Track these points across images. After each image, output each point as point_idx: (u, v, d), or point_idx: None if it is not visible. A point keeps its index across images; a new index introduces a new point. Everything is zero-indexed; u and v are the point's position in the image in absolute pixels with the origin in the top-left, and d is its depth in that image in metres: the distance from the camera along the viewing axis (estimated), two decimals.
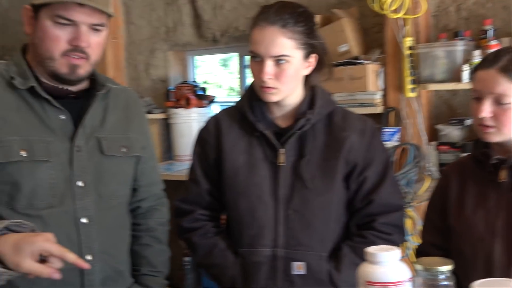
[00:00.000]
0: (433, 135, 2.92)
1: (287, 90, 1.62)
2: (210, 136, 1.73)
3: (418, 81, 2.85)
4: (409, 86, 2.86)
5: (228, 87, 6.11)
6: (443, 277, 1.09)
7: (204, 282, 3.65)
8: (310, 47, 1.61)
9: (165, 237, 1.85)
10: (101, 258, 1.61)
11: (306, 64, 1.63)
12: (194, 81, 3.92)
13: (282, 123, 1.68)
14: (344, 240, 1.67)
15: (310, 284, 1.59)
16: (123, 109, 1.73)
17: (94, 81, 1.67)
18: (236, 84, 4.47)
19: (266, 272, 1.62)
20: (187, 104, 3.69)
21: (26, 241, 1.25)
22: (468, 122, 2.80)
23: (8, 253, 1.23)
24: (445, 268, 1.09)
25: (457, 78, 2.71)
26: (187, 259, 3.55)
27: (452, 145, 2.78)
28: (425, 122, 2.90)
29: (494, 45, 2.59)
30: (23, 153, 1.51)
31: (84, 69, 1.56)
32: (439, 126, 2.88)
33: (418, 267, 1.10)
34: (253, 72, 1.63)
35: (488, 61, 1.53)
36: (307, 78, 1.68)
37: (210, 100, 3.85)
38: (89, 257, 1.58)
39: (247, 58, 3.88)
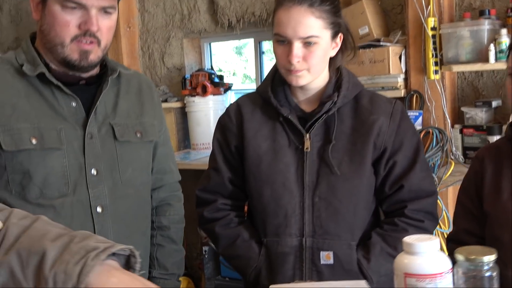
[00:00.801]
0: (458, 118, 2.83)
1: (316, 73, 1.55)
2: (231, 123, 1.67)
3: (442, 63, 2.75)
4: (432, 68, 2.77)
5: (242, 74, 6.04)
6: (487, 267, 1.02)
7: (223, 271, 3.61)
8: (337, 27, 1.55)
9: (178, 236, 1.79)
10: None
11: (333, 45, 1.56)
12: (210, 69, 3.85)
13: (307, 108, 1.61)
14: (373, 228, 1.60)
15: (338, 274, 1.52)
16: (136, 94, 1.67)
17: (105, 66, 1.61)
18: (252, 71, 4.40)
19: (293, 262, 1.56)
20: (204, 92, 3.63)
21: None
22: (494, 104, 2.72)
23: None
24: (489, 258, 1.02)
25: (483, 58, 2.61)
26: (205, 248, 3.51)
27: (477, 128, 2.69)
28: (449, 105, 2.81)
29: None
30: (34, 141, 1.46)
31: (95, 55, 1.50)
32: (464, 109, 2.79)
33: (459, 257, 1.03)
34: (278, 56, 1.55)
35: None
36: (332, 60, 1.61)
37: (227, 87, 3.78)
38: None
39: (265, 43, 3.83)
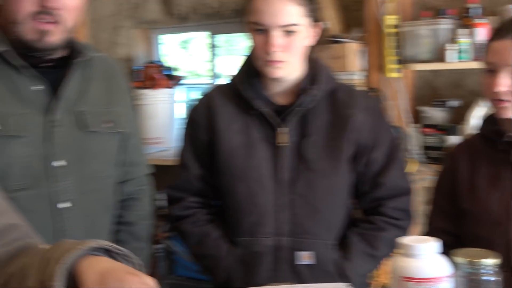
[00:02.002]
0: (416, 117, 2.83)
1: (295, 63, 1.47)
2: (200, 116, 1.58)
3: (401, 61, 2.74)
4: (390, 66, 2.75)
5: (188, 69, 5.90)
6: (490, 271, 0.97)
7: (177, 270, 3.52)
8: (316, 14, 1.48)
9: (144, 233, 1.68)
10: None
11: (312, 34, 1.49)
12: (161, 61, 3.74)
13: (281, 100, 1.53)
14: (348, 227, 1.55)
15: (317, 275, 1.46)
16: (106, 80, 1.55)
17: (74, 48, 1.48)
18: (198, 67, 4.31)
19: (269, 262, 1.48)
20: (153, 85, 3.51)
21: (116, 276, 0.88)
22: (451, 103, 2.73)
23: (89, 282, 0.87)
24: (492, 262, 0.97)
25: (441, 58, 2.61)
26: (159, 246, 3.41)
27: (436, 127, 2.69)
28: (406, 104, 2.81)
29: (481, 24, 2.51)
30: None
31: (56, 36, 1.36)
32: (422, 108, 2.79)
33: (460, 260, 0.98)
34: (255, 46, 1.47)
35: (503, 31, 1.43)
36: (308, 50, 1.54)
37: (178, 80, 3.67)
38: None
39: (221, 36, 3.73)
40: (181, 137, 1.62)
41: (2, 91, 1.35)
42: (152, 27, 3.70)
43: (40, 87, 1.40)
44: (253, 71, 1.52)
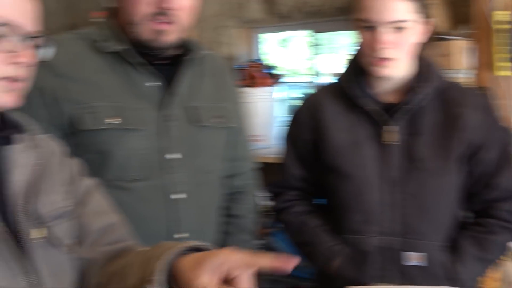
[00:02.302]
0: None
1: (404, 61, 1.45)
2: (305, 116, 1.60)
3: None
4: (499, 64, 2.64)
5: (288, 68, 5.92)
6: None
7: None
8: (426, 10, 1.45)
9: (250, 226, 1.72)
10: (195, 238, 1.49)
11: (421, 31, 1.46)
12: (261, 60, 3.78)
13: (387, 98, 1.52)
14: (456, 229, 1.51)
15: (425, 277, 1.44)
16: (217, 77, 1.60)
17: (187, 46, 1.53)
18: (298, 65, 4.31)
19: (376, 262, 1.48)
20: (254, 83, 3.56)
21: (208, 255, 0.92)
22: None
23: (186, 269, 0.91)
24: None
25: None
26: (260, 241, 3.43)
27: None
28: None
29: None
30: (114, 120, 1.40)
31: (171, 35, 1.43)
32: None
33: None
34: (363, 44, 1.46)
35: None
36: (417, 48, 1.51)
37: (278, 79, 3.70)
38: (180, 236, 1.46)
39: (324, 35, 3.71)
40: (284, 137, 1.66)
41: (121, 87, 1.43)
42: (254, 26, 3.75)
43: (156, 83, 1.46)
44: (359, 69, 1.51)
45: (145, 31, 1.40)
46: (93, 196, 1.15)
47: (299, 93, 5.16)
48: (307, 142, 1.59)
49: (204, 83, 1.56)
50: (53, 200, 1.04)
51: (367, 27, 1.43)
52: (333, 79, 1.63)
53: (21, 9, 0.95)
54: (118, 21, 1.47)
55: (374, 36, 1.41)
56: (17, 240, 0.96)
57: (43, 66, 1.36)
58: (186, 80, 1.51)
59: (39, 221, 1.00)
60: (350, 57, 1.59)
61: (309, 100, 1.63)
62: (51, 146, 1.12)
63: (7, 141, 1.00)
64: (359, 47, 1.49)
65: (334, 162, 1.53)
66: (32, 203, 1.00)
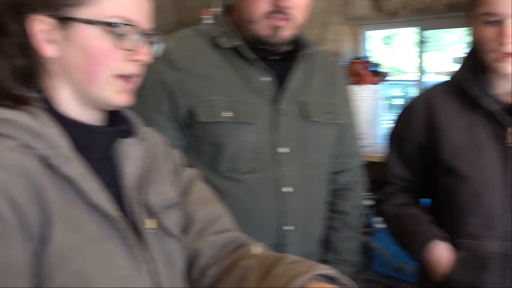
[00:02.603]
0: None
1: None
2: (416, 116, 1.56)
3: None
4: None
5: (394, 65, 5.83)
6: None
7: (374, 266, 3.51)
8: None
9: (356, 222, 1.72)
10: (300, 231, 1.52)
11: None
12: (367, 57, 3.74)
13: (507, 99, 1.46)
14: None
15: None
16: (327, 73, 1.62)
17: (298, 43, 1.56)
18: (401, 62, 4.23)
19: (495, 268, 1.42)
20: (359, 81, 3.53)
21: None
22: None
23: None
24: None
25: None
26: None
27: None
28: None
29: None
30: (228, 114, 1.45)
31: (287, 32, 1.46)
32: None
33: None
34: (487, 39, 1.39)
35: None
36: None
37: (384, 77, 3.65)
38: (288, 229, 1.49)
39: (428, 33, 3.60)
40: (389, 136, 1.64)
41: (236, 82, 1.48)
42: (360, 23, 3.71)
43: (269, 78, 1.50)
44: (478, 67, 1.46)
45: (263, 28, 1.44)
46: (196, 186, 1.18)
47: (404, 91, 5.05)
48: (415, 142, 1.55)
49: (315, 79, 1.58)
50: (162, 191, 1.07)
51: (492, 22, 1.37)
52: (446, 78, 1.58)
53: (139, 8, 0.98)
54: (233, 18, 1.52)
55: (501, 30, 1.35)
56: (134, 230, 0.99)
57: (164, 60, 1.44)
58: (297, 76, 1.54)
59: (150, 212, 1.03)
60: (465, 55, 1.54)
61: (420, 99, 1.58)
62: (156, 138, 1.15)
63: (122, 135, 1.04)
64: (478, 44, 1.44)
65: (452, 163, 1.47)
66: (143, 195, 1.03)
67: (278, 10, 1.42)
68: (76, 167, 0.91)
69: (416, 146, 1.56)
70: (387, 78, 3.72)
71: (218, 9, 3.98)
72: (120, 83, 0.97)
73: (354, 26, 3.77)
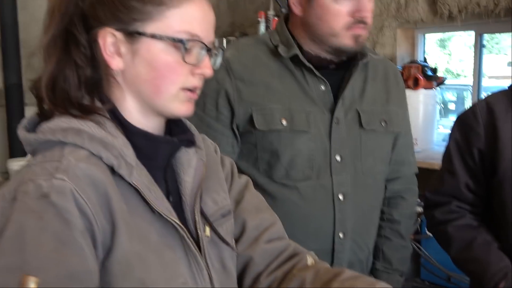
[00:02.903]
0: None
1: None
2: (477, 123, 1.51)
3: None
4: None
5: (445, 69, 5.72)
6: None
7: (423, 274, 3.47)
8: None
9: (408, 231, 1.70)
10: (353, 238, 1.53)
11: None
12: (423, 61, 3.69)
13: None
14: None
15: None
16: (382, 81, 1.62)
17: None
18: (456, 66, 4.15)
19: None
20: (415, 85, 3.49)
21: None
22: None
23: None
24: None
25: None
26: None
27: None
28: None
29: None
30: (284, 122, 1.47)
31: (364, 38, 1.48)
32: None
33: None
34: None
35: None
36: None
37: (440, 81, 3.60)
38: (341, 235, 1.50)
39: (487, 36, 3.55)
40: (450, 142, 1.59)
41: (294, 90, 1.50)
42: (417, 27, 3.67)
43: (326, 87, 1.52)
44: None
45: (346, 38, 1.46)
46: (248, 193, 1.19)
47: (460, 95, 4.96)
48: (476, 150, 1.51)
49: (371, 87, 1.59)
50: (217, 200, 1.09)
51: None
52: (505, 83, 1.55)
53: (204, 22, 0.99)
54: (291, 26, 1.55)
55: None
56: (194, 238, 1.01)
57: (223, 69, 1.48)
58: (354, 84, 1.55)
59: (207, 220, 1.05)
60: None
61: (481, 106, 1.54)
62: (209, 146, 1.17)
63: (183, 144, 1.05)
64: None
65: (509, 174, 1.43)
66: (201, 203, 1.05)
67: (359, 20, 1.44)
68: (140, 176, 0.93)
69: (479, 154, 1.52)
70: (444, 81, 3.66)
71: (271, 13, 4.02)
72: (184, 95, 0.99)
73: (411, 29, 3.73)
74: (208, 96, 1.48)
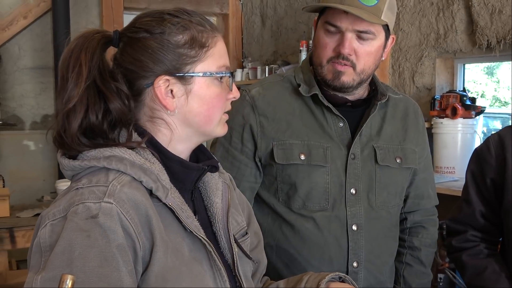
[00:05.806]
0: None
1: None
2: (490, 155, 1.60)
3: None
4: None
5: (492, 96, 5.68)
6: None
7: None
8: None
9: (428, 259, 1.78)
10: (366, 267, 1.61)
11: None
12: (462, 90, 3.72)
13: None
14: None
15: None
16: (401, 119, 1.71)
17: (374, 90, 1.66)
18: (505, 94, 4.15)
19: None
20: (453, 114, 3.52)
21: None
22: None
23: None
24: None
25: None
26: (441, 275, 3.40)
27: None
28: None
29: None
30: (302, 157, 1.58)
31: (348, 77, 1.56)
32: None
33: None
34: None
35: None
36: None
37: (479, 111, 3.61)
38: (355, 264, 1.59)
39: None
40: (467, 173, 1.67)
41: (313, 127, 1.61)
42: (456, 57, 3.71)
43: (344, 124, 1.62)
44: None
45: (327, 71, 1.58)
46: (254, 219, 1.36)
47: (505, 124, 4.93)
48: (489, 180, 1.58)
49: (389, 125, 1.67)
50: (238, 221, 1.25)
51: None
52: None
53: (227, 53, 1.15)
54: (312, 65, 1.66)
55: None
56: (220, 253, 1.16)
57: (249, 105, 1.61)
58: (371, 121, 1.64)
59: (233, 239, 1.18)
60: None
61: (494, 137, 1.62)
62: (224, 173, 1.30)
63: (210, 169, 1.19)
64: None
65: None
66: (226, 223, 1.19)
67: (340, 56, 1.53)
68: (174, 198, 1.07)
69: (492, 184, 1.59)
70: (484, 111, 3.67)
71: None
72: (224, 118, 1.16)
73: (450, 59, 3.77)
74: (235, 130, 1.60)
